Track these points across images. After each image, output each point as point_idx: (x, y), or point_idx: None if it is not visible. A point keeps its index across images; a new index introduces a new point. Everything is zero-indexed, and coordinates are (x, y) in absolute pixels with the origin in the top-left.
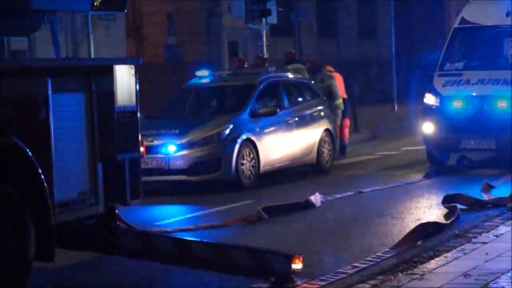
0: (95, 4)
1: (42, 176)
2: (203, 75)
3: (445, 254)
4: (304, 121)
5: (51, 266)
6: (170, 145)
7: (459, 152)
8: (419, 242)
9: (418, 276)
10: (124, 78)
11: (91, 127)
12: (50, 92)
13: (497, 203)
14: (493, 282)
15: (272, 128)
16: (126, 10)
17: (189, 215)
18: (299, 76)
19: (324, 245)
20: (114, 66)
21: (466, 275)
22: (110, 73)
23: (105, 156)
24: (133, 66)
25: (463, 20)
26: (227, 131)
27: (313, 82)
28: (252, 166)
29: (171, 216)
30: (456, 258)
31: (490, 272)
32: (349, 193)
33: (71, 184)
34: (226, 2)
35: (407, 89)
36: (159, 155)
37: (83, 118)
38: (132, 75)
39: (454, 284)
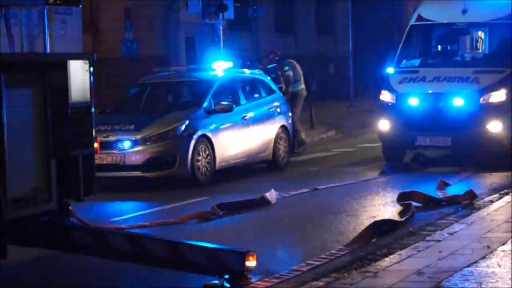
0: None
1: None
2: (160, 71)
3: (399, 252)
4: (260, 118)
5: (4, 262)
6: (125, 141)
7: (414, 149)
8: (373, 240)
9: (372, 274)
10: (78, 73)
11: (44, 123)
12: (3, 87)
13: (452, 201)
14: (446, 280)
15: (228, 125)
16: (80, 5)
17: (144, 212)
18: (256, 71)
19: (279, 242)
20: (68, 61)
21: (419, 273)
22: (63, 68)
23: (58, 152)
24: (87, 61)
25: (420, 17)
26: (183, 127)
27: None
28: (208, 163)
29: (125, 213)
30: (409, 256)
31: (443, 270)
32: (305, 190)
33: (24, 180)
34: None
35: (364, 86)
36: (114, 151)
37: (36, 114)
38: (86, 70)
39: (407, 282)
